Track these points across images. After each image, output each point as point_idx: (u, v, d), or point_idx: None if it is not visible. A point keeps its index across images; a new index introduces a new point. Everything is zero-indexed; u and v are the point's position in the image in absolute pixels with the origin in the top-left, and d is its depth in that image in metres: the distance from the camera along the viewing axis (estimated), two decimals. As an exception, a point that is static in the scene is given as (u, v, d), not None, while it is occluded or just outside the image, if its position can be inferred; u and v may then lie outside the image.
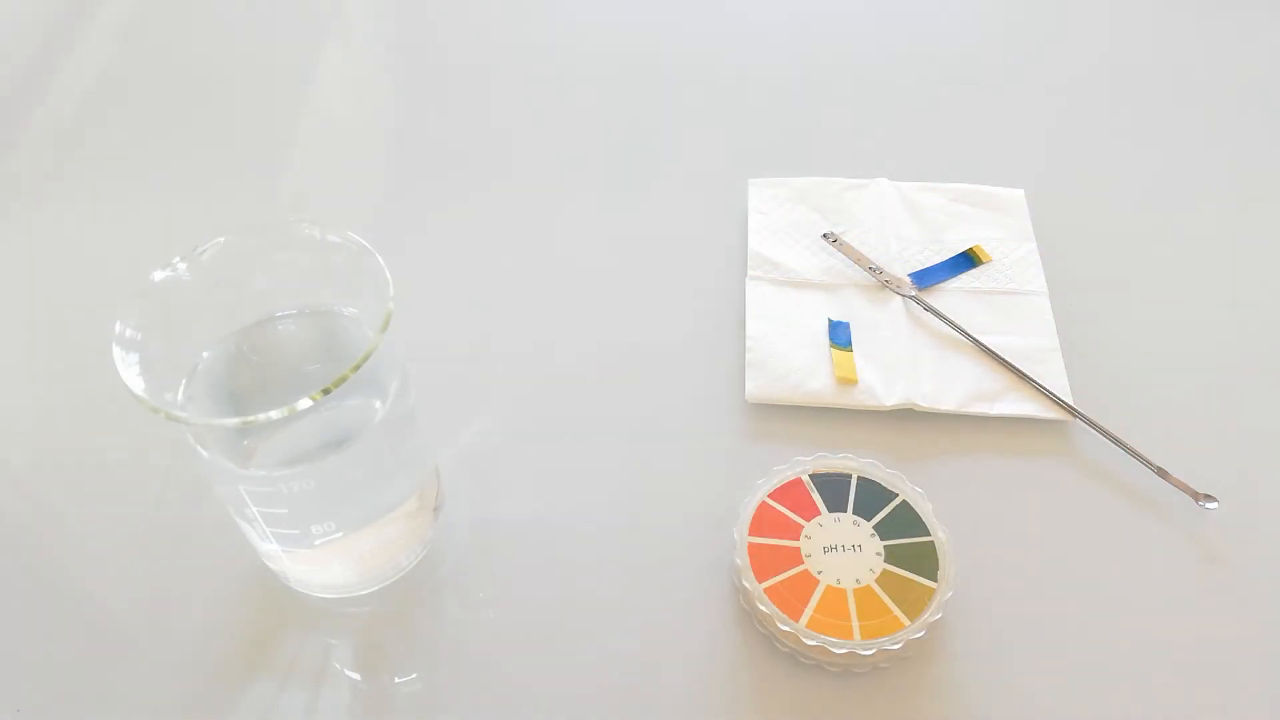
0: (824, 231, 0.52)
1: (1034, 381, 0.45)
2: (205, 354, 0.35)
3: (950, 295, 0.49)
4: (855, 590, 0.37)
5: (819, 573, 0.38)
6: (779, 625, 0.36)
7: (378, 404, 0.34)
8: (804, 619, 0.37)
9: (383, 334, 0.31)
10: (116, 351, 0.31)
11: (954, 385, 0.45)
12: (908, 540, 0.39)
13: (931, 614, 0.37)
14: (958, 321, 0.47)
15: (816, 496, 0.40)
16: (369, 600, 0.39)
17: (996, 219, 0.53)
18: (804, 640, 0.36)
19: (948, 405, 0.45)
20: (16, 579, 0.40)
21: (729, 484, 0.41)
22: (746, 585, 0.38)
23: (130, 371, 0.30)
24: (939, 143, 0.58)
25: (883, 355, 0.46)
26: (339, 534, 0.35)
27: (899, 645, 0.36)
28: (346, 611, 0.39)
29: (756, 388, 0.45)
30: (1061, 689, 0.37)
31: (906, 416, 0.45)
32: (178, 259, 0.33)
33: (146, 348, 0.32)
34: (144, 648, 0.38)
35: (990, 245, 0.51)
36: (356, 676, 0.38)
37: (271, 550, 0.36)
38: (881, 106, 0.61)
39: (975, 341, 0.47)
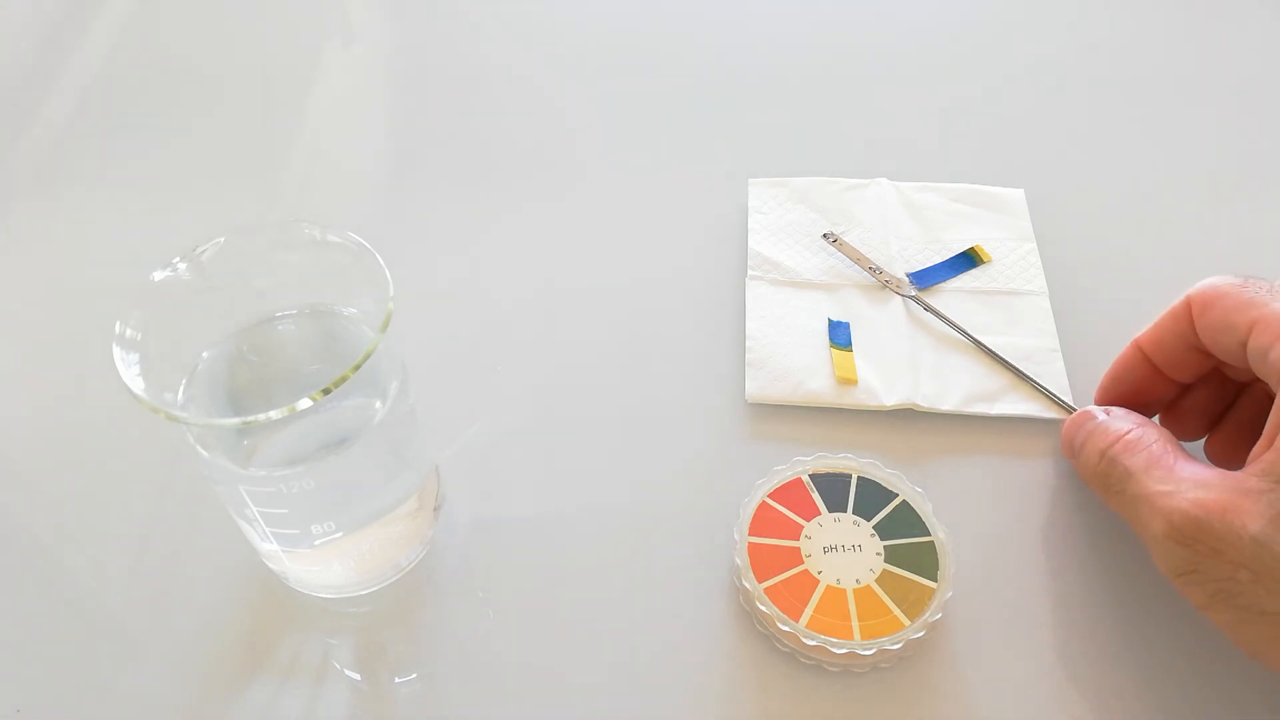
0: (824, 231, 0.52)
1: (1034, 381, 0.45)
2: (205, 354, 0.35)
3: (950, 295, 0.49)
4: (855, 590, 0.37)
5: (819, 573, 0.38)
6: (779, 625, 0.37)
7: (378, 404, 0.34)
8: (804, 619, 0.37)
9: (383, 334, 0.31)
10: (116, 351, 0.31)
11: (954, 385, 0.45)
12: (908, 540, 0.39)
13: (931, 614, 0.37)
14: (958, 321, 0.47)
15: (816, 496, 0.40)
16: (369, 600, 0.39)
17: (996, 219, 0.53)
18: (804, 640, 0.36)
19: (948, 405, 0.45)
20: (16, 579, 0.40)
21: (729, 484, 0.41)
22: (746, 585, 0.38)
23: (130, 371, 0.30)
24: (939, 143, 0.58)
25: (882, 355, 0.46)
26: (339, 534, 0.35)
27: (899, 645, 0.36)
28: (346, 611, 0.39)
29: (756, 388, 0.45)
30: (1062, 689, 0.37)
31: (906, 416, 0.45)
32: (178, 259, 0.33)
33: (146, 348, 0.31)
34: (144, 648, 0.38)
35: (990, 245, 0.51)
36: (356, 676, 0.38)
37: (271, 550, 0.36)
38: (881, 106, 0.61)
39: (975, 341, 0.47)
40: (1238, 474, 0.33)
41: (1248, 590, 0.31)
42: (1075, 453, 0.40)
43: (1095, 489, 0.39)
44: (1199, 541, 0.32)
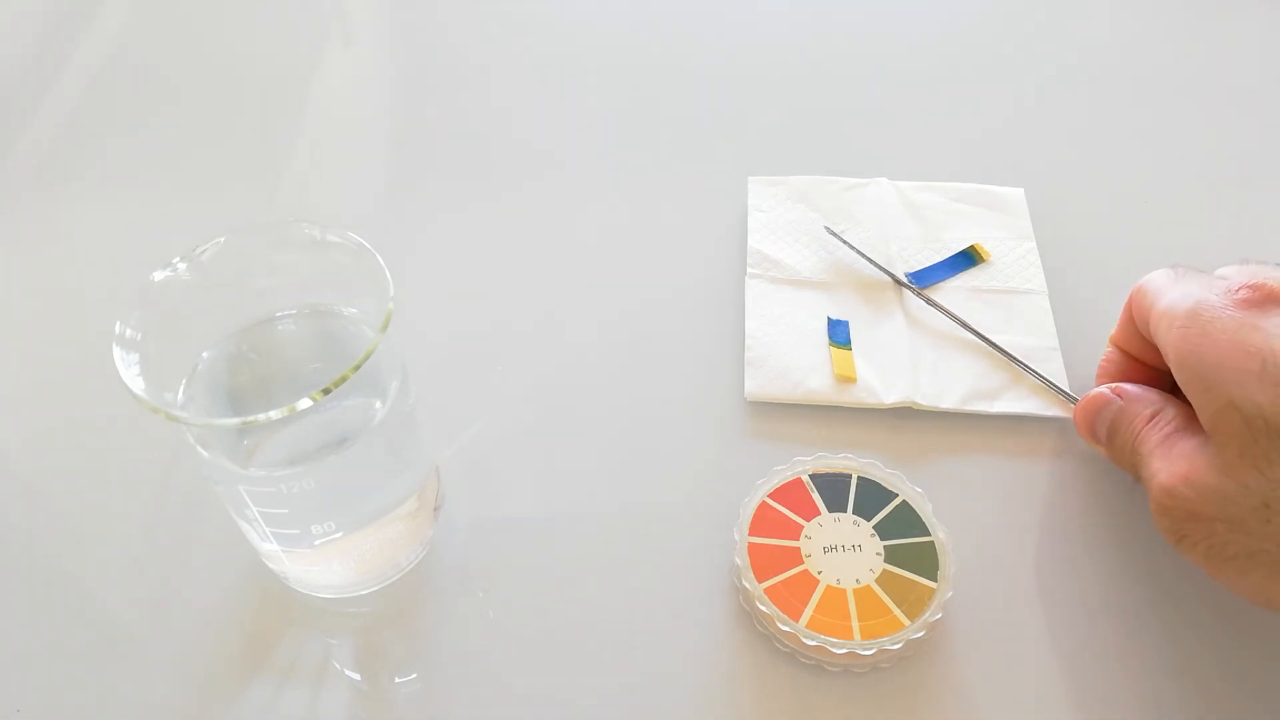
0: (824, 225, 0.52)
1: (1035, 372, 0.45)
2: (205, 354, 0.35)
3: (950, 294, 0.49)
4: (855, 590, 0.37)
5: (819, 573, 0.38)
6: (779, 625, 0.37)
7: (378, 404, 0.34)
8: (804, 619, 0.37)
9: (383, 334, 0.31)
10: (116, 351, 0.31)
11: (954, 383, 0.45)
12: (908, 540, 0.39)
13: (931, 614, 0.37)
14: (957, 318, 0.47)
15: (816, 496, 0.40)
16: (369, 600, 0.39)
17: (996, 218, 0.53)
18: (804, 640, 0.36)
19: (947, 403, 0.45)
20: (17, 579, 0.40)
21: (729, 484, 0.41)
22: (746, 585, 0.38)
23: (130, 371, 0.30)
24: (939, 143, 0.58)
25: (882, 353, 0.46)
26: (339, 534, 0.35)
27: (899, 645, 0.36)
28: (346, 611, 0.39)
29: (756, 386, 0.45)
30: (1062, 689, 0.37)
31: (906, 416, 0.45)
32: (178, 259, 0.33)
33: (146, 348, 0.31)
34: (144, 648, 0.38)
35: (990, 244, 0.51)
36: (356, 676, 0.38)
37: (271, 550, 0.36)
38: (881, 106, 0.61)
39: (976, 333, 0.47)
40: (1200, 440, 0.35)
41: (1231, 539, 0.33)
42: (1103, 440, 0.40)
43: (1130, 474, 0.39)
44: (1177, 508, 0.34)
